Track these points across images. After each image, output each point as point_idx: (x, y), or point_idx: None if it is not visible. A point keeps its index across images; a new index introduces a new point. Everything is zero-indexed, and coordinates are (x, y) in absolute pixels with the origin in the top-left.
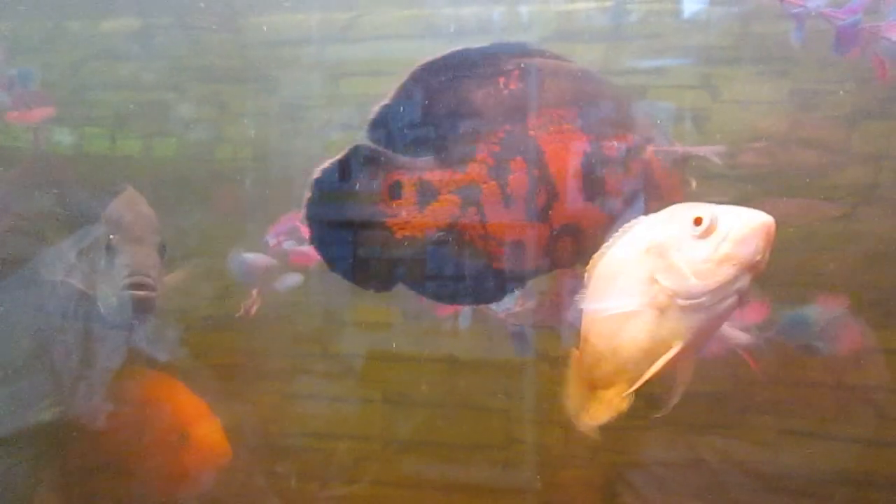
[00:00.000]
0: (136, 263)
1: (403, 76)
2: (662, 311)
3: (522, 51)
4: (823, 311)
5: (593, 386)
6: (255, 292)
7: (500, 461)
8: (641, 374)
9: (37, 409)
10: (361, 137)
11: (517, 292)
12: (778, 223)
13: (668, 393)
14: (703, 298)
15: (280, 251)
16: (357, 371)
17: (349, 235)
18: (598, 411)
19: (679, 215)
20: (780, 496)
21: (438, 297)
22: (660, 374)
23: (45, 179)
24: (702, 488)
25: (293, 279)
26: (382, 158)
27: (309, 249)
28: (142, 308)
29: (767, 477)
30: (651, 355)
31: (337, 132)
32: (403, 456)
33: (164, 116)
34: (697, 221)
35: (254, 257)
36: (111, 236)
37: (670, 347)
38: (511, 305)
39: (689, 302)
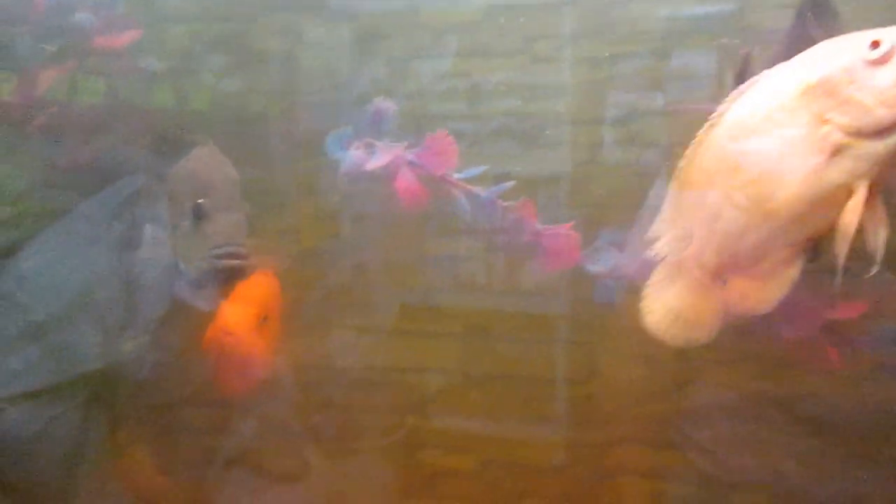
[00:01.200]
0: (228, 234)
1: None
2: (835, 153)
3: None
4: None
5: (718, 275)
6: None
7: (581, 395)
8: (804, 235)
9: (85, 357)
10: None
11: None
12: None
13: (873, 243)
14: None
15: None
16: (436, 305)
17: None
18: (754, 295)
19: (841, 47)
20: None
21: None
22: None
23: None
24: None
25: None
26: None
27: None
28: (231, 277)
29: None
30: (824, 207)
31: (415, 61)
32: (483, 389)
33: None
34: (875, 45)
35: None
36: (200, 200)
37: (848, 193)
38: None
39: (873, 140)
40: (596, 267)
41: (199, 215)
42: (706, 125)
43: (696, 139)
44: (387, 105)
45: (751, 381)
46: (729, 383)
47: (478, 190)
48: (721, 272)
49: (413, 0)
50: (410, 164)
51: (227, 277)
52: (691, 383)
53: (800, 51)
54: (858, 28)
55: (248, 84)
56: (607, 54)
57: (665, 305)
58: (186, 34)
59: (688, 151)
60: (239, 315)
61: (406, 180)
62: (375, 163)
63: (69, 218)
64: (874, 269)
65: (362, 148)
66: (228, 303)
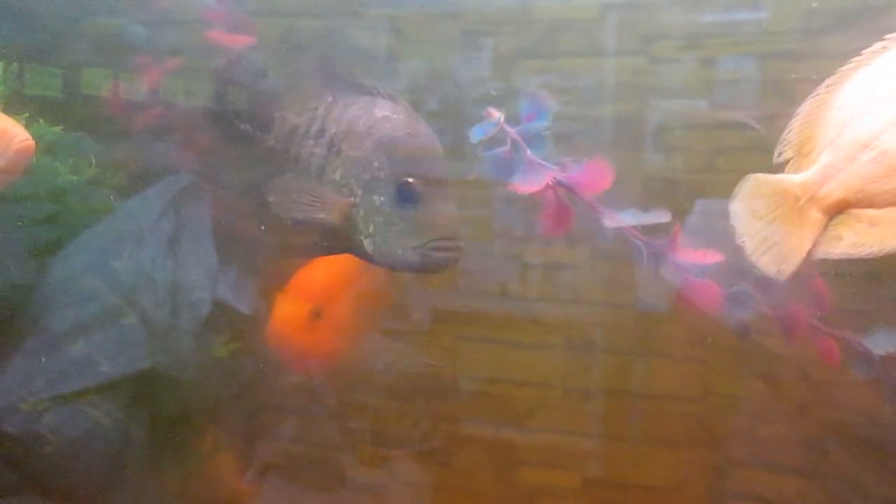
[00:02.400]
0: (446, 224)
1: None
2: None
3: None
4: None
5: (833, 210)
6: None
7: (694, 414)
8: None
9: (127, 359)
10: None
11: None
12: None
13: None
14: None
15: None
16: (538, 315)
17: None
18: (866, 238)
19: None
20: None
21: None
22: None
23: None
24: None
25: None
26: None
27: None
28: (441, 269)
29: None
30: None
31: (525, 61)
32: (585, 405)
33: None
34: None
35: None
36: (408, 179)
37: None
38: None
39: None
40: (739, 313)
41: (407, 198)
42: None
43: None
44: (541, 93)
45: (880, 405)
46: (854, 406)
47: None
48: (839, 208)
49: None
50: (559, 184)
51: (434, 272)
52: (814, 405)
53: None
54: None
55: None
56: (731, 56)
57: (761, 234)
58: (282, 30)
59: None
60: (288, 312)
61: (556, 208)
62: (527, 186)
63: (114, 216)
64: None
65: (509, 153)
66: (281, 298)
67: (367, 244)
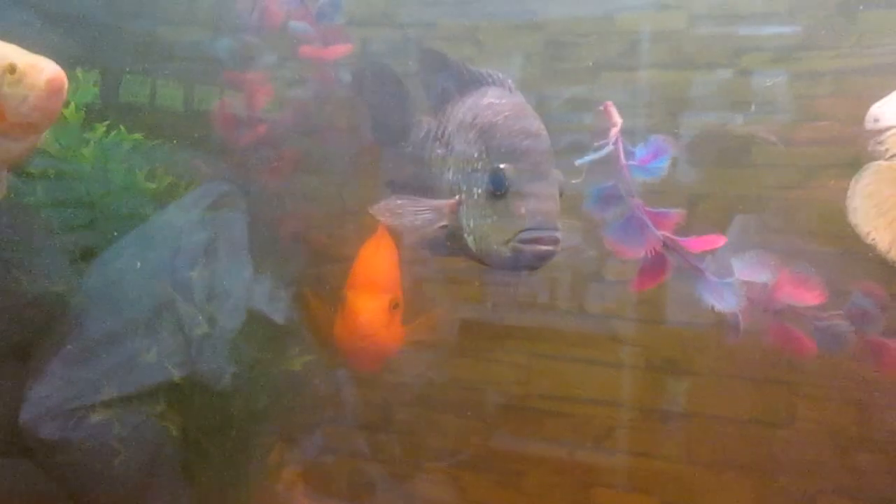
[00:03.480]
0: (542, 214)
1: None
2: None
3: None
4: None
5: None
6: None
7: (780, 440)
8: None
9: (163, 367)
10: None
11: None
12: None
13: None
14: None
15: None
16: (617, 333)
17: None
18: None
19: None
20: None
21: None
22: None
23: None
24: None
25: None
26: None
27: None
28: (538, 264)
29: None
30: None
31: (609, 72)
32: (665, 426)
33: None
34: None
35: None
36: (499, 165)
37: None
38: None
39: None
40: (834, 348)
41: (498, 186)
42: None
43: None
44: (663, 139)
45: None
46: None
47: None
48: None
49: (608, 5)
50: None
51: (532, 267)
52: None
53: None
54: None
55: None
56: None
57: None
58: (358, 40)
59: None
60: (371, 310)
61: (656, 264)
62: (631, 249)
63: (151, 224)
64: None
65: (615, 194)
66: (355, 292)
67: (470, 242)
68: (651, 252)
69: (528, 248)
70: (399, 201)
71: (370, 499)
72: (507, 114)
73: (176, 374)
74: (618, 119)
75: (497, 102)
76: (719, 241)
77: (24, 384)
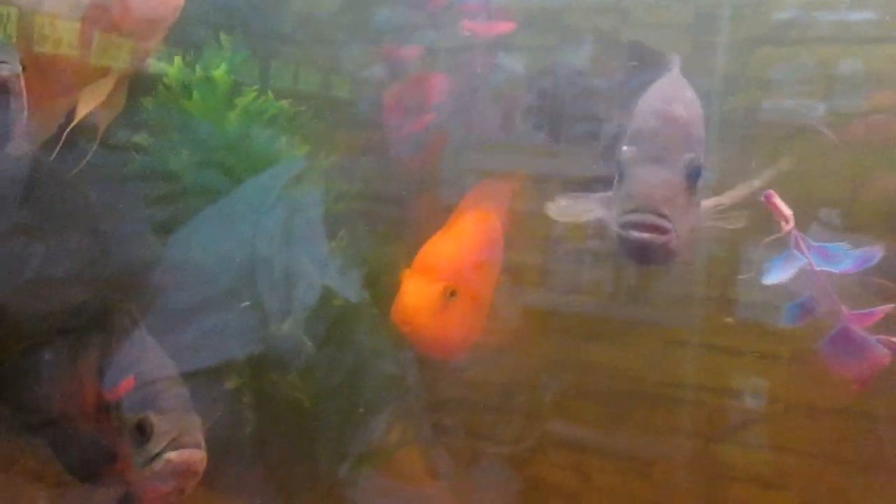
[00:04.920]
0: (640, 194)
1: None
2: None
3: None
4: None
5: None
6: None
7: None
8: None
9: (242, 342)
10: None
11: None
12: None
13: None
14: None
15: None
16: (762, 321)
17: None
18: None
19: None
20: None
21: None
22: None
23: None
24: None
25: None
26: None
27: None
28: (641, 255)
29: None
30: None
31: (764, 48)
32: (809, 422)
33: None
34: None
35: None
36: (625, 147)
37: None
38: None
39: None
40: None
41: (620, 168)
42: None
43: None
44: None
45: None
46: None
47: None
48: None
49: None
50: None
51: (641, 255)
52: None
53: None
54: None
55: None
56: None
57: None
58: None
59: None
60: (417, 295)
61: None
62: (852, 368)
63: (230, 200)
64: None
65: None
66: (409, 273)
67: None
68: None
69: (627, 233)
70: (571, 199)
71: (490, 481)
72: (652, 97)
73: (254, 349)
74: (787, 211)
75: (657, 86)
76: None
77: (107, 353)
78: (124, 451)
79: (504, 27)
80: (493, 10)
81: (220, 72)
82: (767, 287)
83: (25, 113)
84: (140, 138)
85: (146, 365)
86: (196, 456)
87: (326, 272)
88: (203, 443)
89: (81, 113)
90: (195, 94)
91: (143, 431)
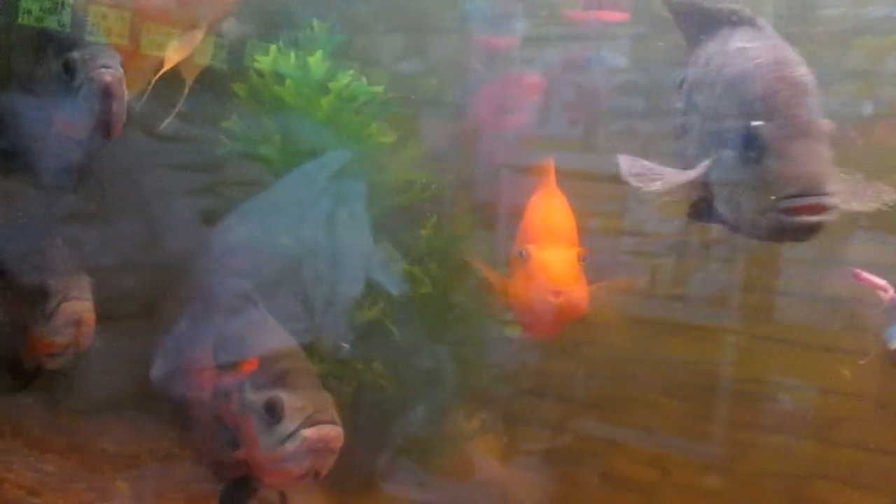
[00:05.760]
0: (804, 176)
1: None
2: None
3: None
4: None
5: None
6: None
7: None
8: None
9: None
10: None
11: None
12: None
13: None
14: None
15: None
16: (848, 317)
17: None
18: None
19: None
20: None
21: None
22: None
23: None
24: None
25: None
26: None
27: None
28: (805, 237)
29: None
30: None
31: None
32: None
33: None
34: None
35: None
36: (752, 123)
37: None
38: None
39: None
40: None
41: (753, 146)
42: None
43: None
44: None
45: None
46: None
47: None
48: None
49: None
50: None
51: (798, 239)
52: None
53: None
54: None
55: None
56: None
57: None
58: None
59: None
60: (562, 262)
61: None
62: None
63: (275, 191)
64: None
65: None
66: (538, 245)
67: (724, 211)
68: None
69: (790, 219)
70: (643, 165)
71: (566, 471)
72: (760, 60)
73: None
74: (880, 282)
75: (749, 47)
76: None
77: (153, 341)
78: (249, 435)
79: (616, 16)
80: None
81: (315, 58)
82: (854, 285)
83: (125, 113)
84: (230, 122)
85: (268, 343)
86: (334, 432)
87: (413, 260)
88: (338, 419)
89: (171, 63)
90: (288, 81)
91: (273, 411)
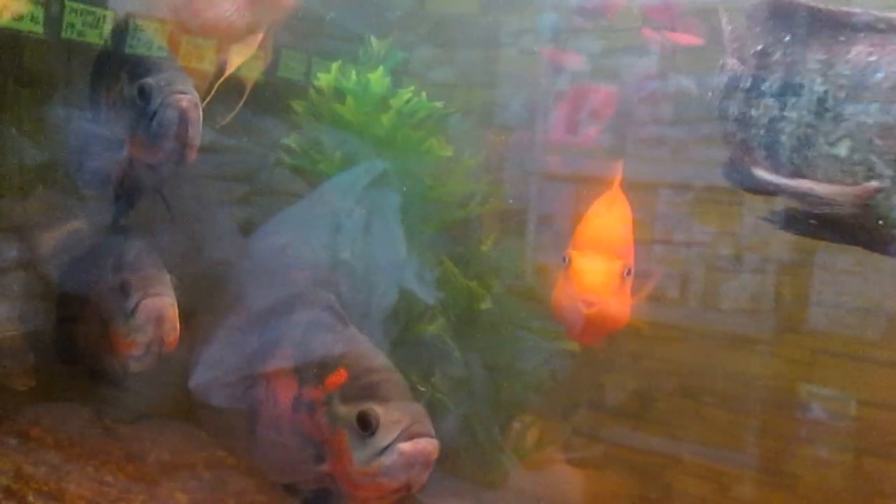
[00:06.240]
0: None
1: None
2: None
3: None
4: None
5: None
6: None
7: None
8: None
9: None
10: None
11: None
12: None
13: None
14: None
15: None
16: None
17: None
18: None
19: None
20: None
21: None
22: None
23: None
24: None
25: None
26: None
27: None
28: None
29: None
30: None
31: None
32: None
33: None
34: None
35: None
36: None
37: None
38: None
39: None
40: None
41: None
42: None
43: None
44: None
45: None
46: None
47: None
48: None
49: None
50: None
51: None
52: None
53: None
54: None
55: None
56: None
57: None
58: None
59: None
60: (600, 273)
61: None
62: None
63: (310, 200)
64: None
65: None
66: (581, 252)
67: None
68: None
69: None
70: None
71: (623, 485)
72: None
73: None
74: None
75: None
76: None
77: (192, 350)
78: (339, 448)
79: (689, 39)
80: (678, 20)
81: (376, 75)
82: None
83: (200, 136)
84: (291, 140)
85: (357, 355)
86: (431, 445)
87: (474, 274)
88: (434, 432)
89: (232, 67)
90: (349, 99)
91: (366, 424)
